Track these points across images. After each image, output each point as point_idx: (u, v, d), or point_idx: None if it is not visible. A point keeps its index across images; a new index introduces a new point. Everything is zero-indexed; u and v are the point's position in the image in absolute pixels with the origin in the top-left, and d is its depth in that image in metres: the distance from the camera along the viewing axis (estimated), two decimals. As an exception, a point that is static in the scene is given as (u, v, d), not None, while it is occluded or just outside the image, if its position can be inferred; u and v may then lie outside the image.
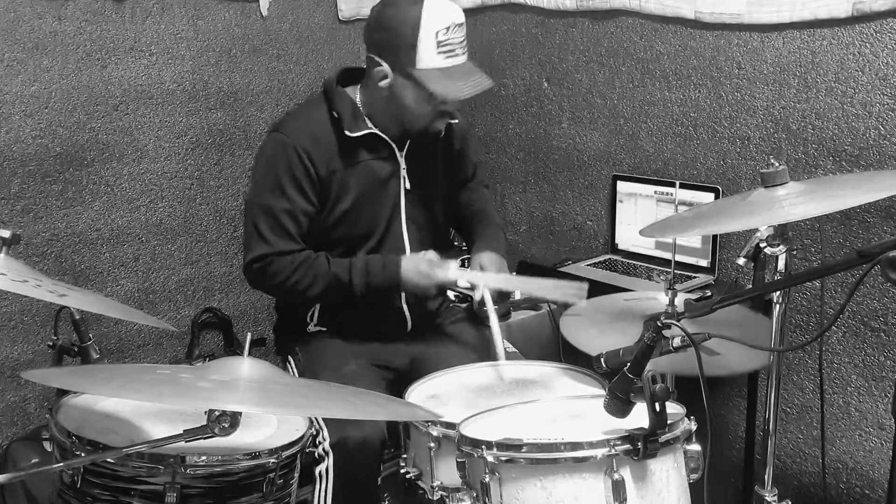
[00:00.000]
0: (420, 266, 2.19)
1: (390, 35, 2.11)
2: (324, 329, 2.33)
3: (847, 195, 1.63)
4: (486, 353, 2.28)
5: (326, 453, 2.03)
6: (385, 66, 2.13)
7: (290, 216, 2.18)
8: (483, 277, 2.22)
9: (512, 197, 3.34)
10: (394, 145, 2.25)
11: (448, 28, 2.08)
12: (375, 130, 2.22)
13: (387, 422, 2.10)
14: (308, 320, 2.33)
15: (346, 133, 2.18)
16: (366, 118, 2.22)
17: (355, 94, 2.25)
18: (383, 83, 2.15)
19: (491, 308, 2.17)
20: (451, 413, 1.85)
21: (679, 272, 2.67)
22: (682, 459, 1.56)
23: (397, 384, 2.14)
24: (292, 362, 2.34)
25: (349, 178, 2.21)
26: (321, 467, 2.04)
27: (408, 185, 2.28)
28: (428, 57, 2.07)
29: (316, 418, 2.04)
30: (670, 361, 1.57)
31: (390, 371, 2.29)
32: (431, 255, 2.22)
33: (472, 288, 2.22)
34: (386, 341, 2.32)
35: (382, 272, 2.20)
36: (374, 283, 2.20)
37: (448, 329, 2.43)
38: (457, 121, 2.38)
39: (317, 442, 2.05)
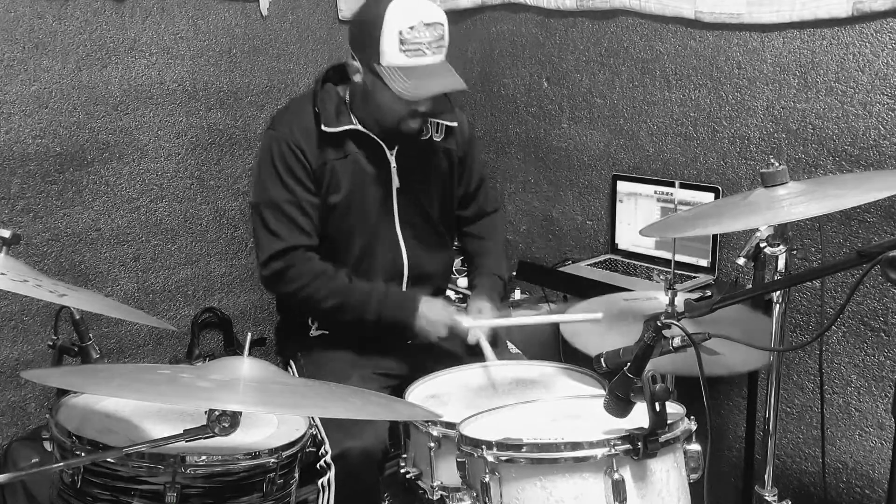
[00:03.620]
0: (438, 315, 2.21)
1: (360, 30, 2.14)
2: (325, 332, 2.33)
3: (847, 195, 1.63)
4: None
5: (329, 466, 2.03)
6: (357, 62, 2.15)
7: (297, 207, 2.19)
8: (493, 321, 2.24)
9: (512, 197, 3.34)
10: (382, 144, 2.25)
11: (413, 27, 2.06)
12: (359, 126, 2.22)
13: (388, 426, 2.10)
14: (310, 324, 2.33)
15: (324, 128, 2.19)
16: (351, 114, 2.23)
17: (345, 91, 2.26)
18: (356, 78, 2.17)
19: (488, 350, 2.18)
20: (451, 413, 1.85)
21: (679, 272, 2.67)
22: (682, 459, 1.56)
23: (399, 390, 2.13)
24: (293, 367, 2.34)
25: (340, 170, 2.22)
26: (323, 479, 2.03)
27: (398, 184, 2.28)
28: (390, 54, 2.07)
29: (318, 430, 2.04)
30: (670, 361, 1.57)
31: (392, 378, 2.28)
32: (450, 308, 2.25)
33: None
34: (387, 346, 2.32)
35: (400, 306, 2.21)
36: (388, 314, 2.21)
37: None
38: (455, 124, 2.37)
39: (319, 454, 2.05)
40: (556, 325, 2.72)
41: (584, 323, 2.06)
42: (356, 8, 2.25)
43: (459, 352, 2.27)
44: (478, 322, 2.23)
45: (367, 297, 2.21)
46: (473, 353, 2.23)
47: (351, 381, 2.13)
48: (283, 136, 2.20)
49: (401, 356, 2.32)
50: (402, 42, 2.06)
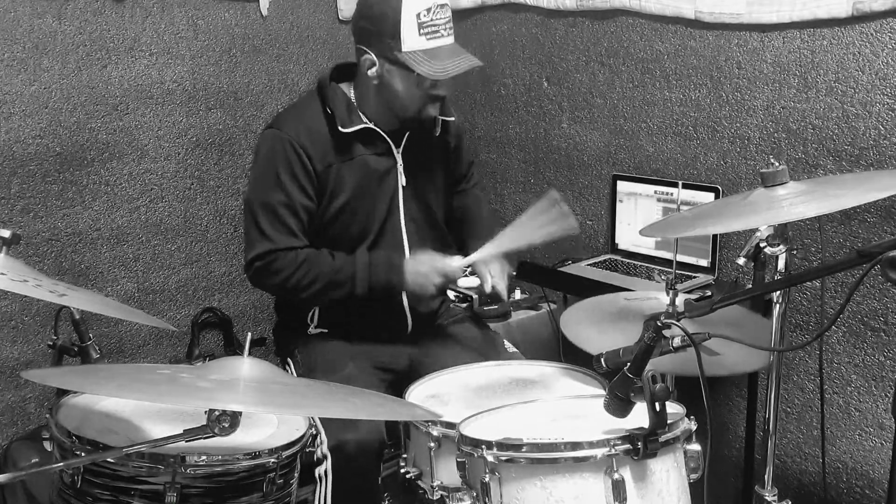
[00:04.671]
0: (424, 260, 2.20)
1: (373, 22, 2.14)
2: (324, 330, 2.33)
3: (847, 195, 1.63)
4: (486, 353, 2.28)
5: (325, 456, 2.03)
6: (371, 55, 2.15)
7: (290, 210, 2.19)
8: (480, 254, 2.22)
9: (512, 197, 3.34)
10: (390, 141, 2.25)
11: (429, 9, 2.08)
12: (370, 125, 2.22)
13: (386, 422, 2.11)
14: (309, 322, 2.33)
15: (340, 129, 2.19)
16: (360, 113, 2.23)
17: (349, 90, 2.26)
18: (371, 72, 2.16)
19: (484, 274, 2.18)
20: (451, 413, 1.86)
21: (679, 272, 2.67)
22: (682, 459, 1.56)
23: (397, 386, 2.14)
24: (291, 364, 2.34)
25: (345, 172, 2.22)
26: (320, 469, 2.04)
27: (404, 181, 2.28)
28: (411, 39, 2.08)
29: (314, 421, 2.05)
30: (670, 361, 1.57)
31: (390, 373, 2.29)
32: (436, 256, 2.23)
33: (474, 279, 2.22)
34: (386, 342, 2.32)
35: (386, 265, 2.20)
36: (377, 279, 2.20)
37: (448, 330, 2.43)
38: (453, 118, 2.39)
39: (315, 444, 2.05)
40: (556, 325, 2.72)
41: (579, 316, 2.06)
42: (356, 7, 2.25)
43: (463, 339, 2.27)
44: (468, 259, 2.21)
45: (353, 270, 2.20)
46: (478, 350, 2.23)
47: (347, 374, 2.14)
48: (288, 137, 2.19)
49: (399, 350, 2.33)
50: (421, 26, 2.07)
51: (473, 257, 2.21)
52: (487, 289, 2.20)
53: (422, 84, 2.14)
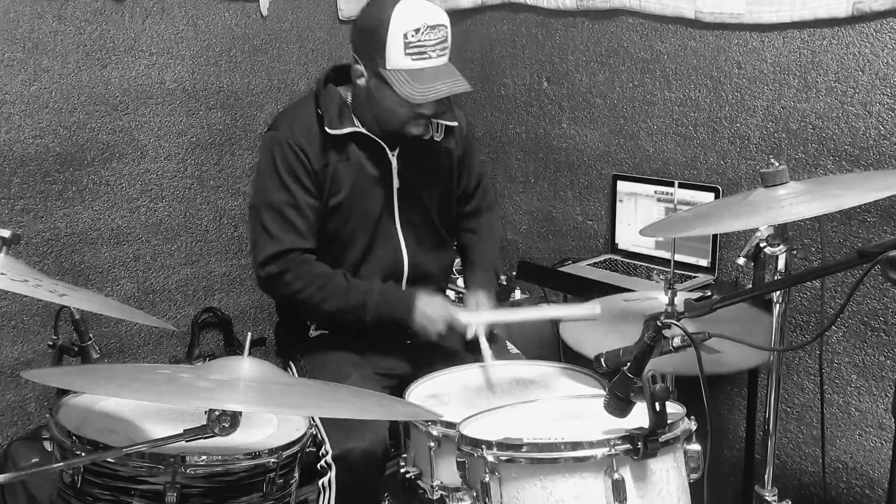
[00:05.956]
0: (436, 311, 2.20)
1: (363, 35, 2.14)
2: (325, 332, 2.33)
3: (847, 195, 1.63)
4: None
5: (329, 466, 2.03)
6: (360, 66, 2.15)
7: (295, 209, 2.19)
8: (491, 315, 2.24)
9: (512, 197, 3.35)
10: (384, 145, 2.25)
11: (418, 30, 2.06)
12: (362, 129, 2.22)
13: (388, 426, 2.10)
14: (309, 323, 2.33)
15: (327, 130, 2.19)
16: (353, 116, 2.23)
17: (347, 92, 2.26)
18: (360, 82, 2.17)
19: (485, 347, 2.17)
20: (451, 413, 1.85)
21: (679, 272, 2.67)
22: (682, 459, 1.57)
23: (399, 390, 2.13)
24: (293, 368, 2.34)
25: (341, 172, 2.22)
26: (324, 480, 2.04)
27: (398, 185, 2.28)
28: (395, 58, 2.07)
29: (319, 431, 2.04)
30: (670, 361, 1.57)
31: (392, 378, 2.29)
32: (448, 304, 2.24)
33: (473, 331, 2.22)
34: (387, 346, 2.32)
35: (397, 304, 2.21)
36: (386, 313, 2.20)
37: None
38: (456, 123, 2.37)
39: (319, 454, 2.05)
40: (556, 326, 2.71)
41: (583, 320, 2.05)
42: (357, 9, 2.25)
43: (459, 349, 2.27)
44: (476, 317, 2.22)
45: (365, 297, 2.20)
46: (472, 350, 2.24)
47: (351, 381, 2.13)
48: (284, 136, 2.20)
49: (401, 356, 2.33)
50: (407, 45, 2.05)
51: (481, 335, 2.20)
52: (470, 336, 2.20)
53: (405, 102, 2.11)
